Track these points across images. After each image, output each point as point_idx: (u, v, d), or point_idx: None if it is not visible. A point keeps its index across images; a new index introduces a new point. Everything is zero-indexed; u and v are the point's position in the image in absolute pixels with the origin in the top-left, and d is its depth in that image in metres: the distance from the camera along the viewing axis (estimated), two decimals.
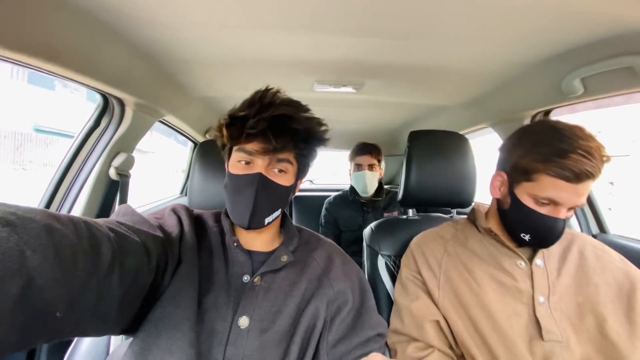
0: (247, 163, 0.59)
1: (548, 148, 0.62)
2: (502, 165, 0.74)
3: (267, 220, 0.61)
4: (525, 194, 0.67)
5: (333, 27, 0.79)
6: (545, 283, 0.69)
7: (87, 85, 0.87)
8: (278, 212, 0.64)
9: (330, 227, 1.84)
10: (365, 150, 1.72)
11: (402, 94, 1.39)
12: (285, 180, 0.61)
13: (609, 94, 0.88)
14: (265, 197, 0.59)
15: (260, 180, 0.58)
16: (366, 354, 0.60)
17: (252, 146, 0.57)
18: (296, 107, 0.60)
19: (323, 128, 0.63)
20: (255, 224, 0.60)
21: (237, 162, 0.60)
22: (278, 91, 0.59)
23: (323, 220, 1.90)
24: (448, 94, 1.34)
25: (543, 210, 0.65)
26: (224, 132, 0.58)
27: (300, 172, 0.66)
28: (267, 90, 0.58)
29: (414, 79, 1.18)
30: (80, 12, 0.70)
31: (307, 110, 0.61)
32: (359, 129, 2.23)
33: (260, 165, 0.58)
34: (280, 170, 0.60)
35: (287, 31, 0.82)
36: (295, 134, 0.58)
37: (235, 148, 0.60)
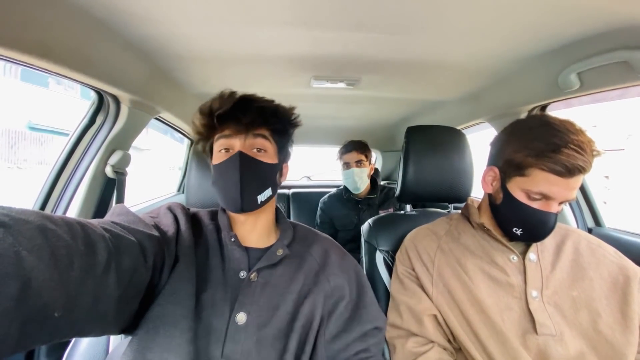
0: (227, 150, 0.62)
1: (541, 143, 0.62)
2: (494, 161, 0.74)
3: (259, 198, 0.63)
4: (518, 189, 0.67)
5: (330, 22, 0.79)
6: (538, 277, 0.69)
7: (82, 82, 0.86)
8: (269, 192, 0.65)
9: (326, 227, 1.84)
10: (351, 147, 1.72)
11: (399, 90, 1.38)
12: (266, 158, 0.63)
13: (604, 88, 0.88)
14: (250, 173, 0.61)
15: (242, 158, 0.60)
16: (364, 350, 0.61)
17: (228, 130, 0.62)
18: (260, 97, 0.64)
19: (290, 108, 0.67)
20: (247, 203, 0.61)
21: (219, 153, 0.63)
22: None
23: (319, 220, 1.90)
24: (445, 89, 1.34)
25: (535, 204, 0.66)
26: (197, 122, 0.62)
27: (281, 153, 0.68)
28: (231, 91, 0.63)
29: (411, 74, 1.18)
30: (74, 8, 0.69)
31: (272, 100, 0.65)
32: (356, 125, 2.23)
33: (238, 145, 0.61)
34: (259, 150, 0.63)
35: (284, 26, 0.81)
36: (263, 110, 0.62)
37: (214, 140, 0.63)
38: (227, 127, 0.61)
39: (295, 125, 0.69)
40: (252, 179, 0.61)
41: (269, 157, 0.64)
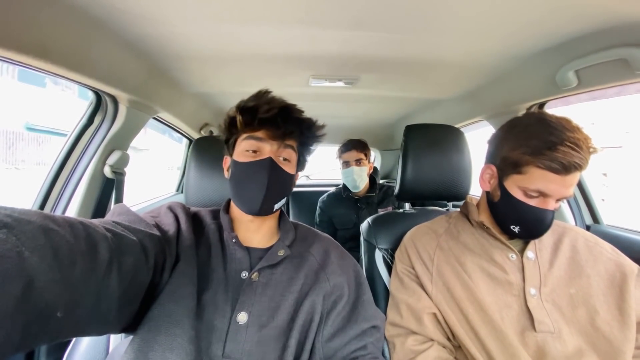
0: (255, 152, 0.62)
1: (537, 141, 0.63)
2: (492, 158, 0.74)
3: (275, 206, 0.64)
4: (515, 187, 0.68)
5: (328, 21, 0.79)
6: (536, 275, 0.70)
7: (80, 83, 0.86)
8: (283, 200, 0.66)
9: (325, 226, 1.84)
10: (350, 146, 1.73)
11: (398, 88, 1.38)
12: (289, 168, 0.64)
13: (602, 85, 0.89)
14: (276, 181, 0.61)
15: (271, 165, 0.60)
16: (361, 348, 0.61)
17: (261, 133, 0.61)
18: (297, 108, 0.64)
19: (321, 126, 0.68)
20: (266, 208, 0.62)
21: (245, 152, 0.62)
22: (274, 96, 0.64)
23: (318, 219, 1.90)
24: (443, 87, 1.34)
25: (532, 202, 0.66)
26: (238, 118, 0.61)
27: (299, 164, 0.69)
28: (267, 90, 0.63)
29: (410, 73, 1.18)
30: (71, 8, 0.68)
31: (303, 112, 0.66)
32: (355, 123, 2.23)
33: (268, 151, 0.62)
34: (285, 159, 0.63)
35: (282, 25, 0.81)
36: (301, 123, 0.63)
37: (242, 137, 0.63)
38: (263, 130, 0.61)
39: (320, 142, 0.70)
40: (275, 187, 0.62)
41: (291, 167, 0.65)
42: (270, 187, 0.60)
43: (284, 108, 0.61)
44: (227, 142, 0.67)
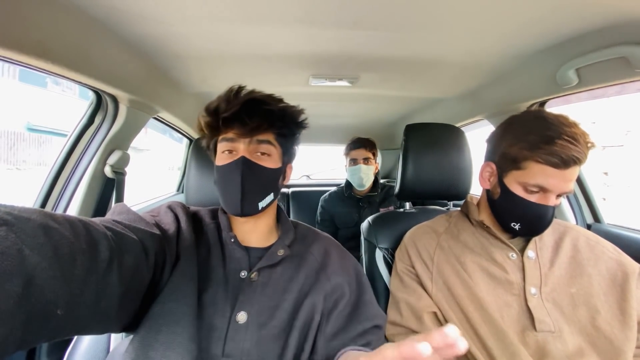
0: (230, 152, 0.61)
1: (535, 136, 0.63)
2: (491, 156, 0.74)
3: (260, 204, 0.62)
4: (515, 183, 0.68)
5: (328, 20, 0.79)
6: (537, 274, 0.69)
7: (80, 83, 0.86)
8: (271, 197, 0.64)
9: (327, 225, 1.85)
10: (359, 144, 1.73)
11: (398, 87, 1.38)
12: (270, 163, 0.62)
13: (603, 84, 0.89)
14: (252, 179, 0.60)
15: (244, 163, 0.59)
16: (364, 345, 0.61)
17: (232, 133, 0.60)
18: (269, 96, 0.62)
19: (298, 111, 0.65)
20: (248, 208, 0.61)
21: (222, 154, 0.62)
22: (253, 90, 0.61)
23: (319, 218, 1.90)
24: (444, 86, 1.34)
25: (532, 198, 0.66)
26: (202, 121, 0.61)
27: (285, 155, 0.67)
28: (240, 86, 0.60)
29: (410, 72, 1.18)
30: (71, 8, 0.68)
31: (280, 100, 0.63)
32: (355, 123, 2.23)
33: (242, 149, 0.60)
34: (263, 154, 0.62)
35: (282, 24, 0.81)
36: (270, 114, 0.60)
37: (218, 140, 0.62)
38: (232, 129, 0.60)
39: (302, 128, 0.67)
40: (253, 186, 0.60)
41: (273, 161, 0.63)
42: (245, 186, 0.59)
43: (247, 102, 0.57)
44: (209, 147, 0.66)
